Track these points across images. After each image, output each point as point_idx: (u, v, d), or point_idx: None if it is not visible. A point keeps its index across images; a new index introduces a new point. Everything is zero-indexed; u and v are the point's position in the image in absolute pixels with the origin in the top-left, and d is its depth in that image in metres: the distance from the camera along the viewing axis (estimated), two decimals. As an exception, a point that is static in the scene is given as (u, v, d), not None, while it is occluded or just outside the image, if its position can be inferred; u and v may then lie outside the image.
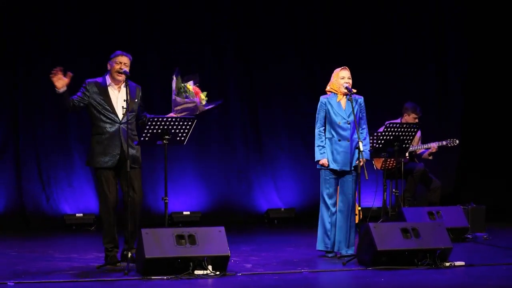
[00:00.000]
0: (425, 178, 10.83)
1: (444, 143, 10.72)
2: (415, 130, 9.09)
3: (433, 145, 10.70)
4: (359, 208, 8.91)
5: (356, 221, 8.66)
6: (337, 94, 8.55)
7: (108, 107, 7.87)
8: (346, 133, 8.50)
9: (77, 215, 11.71)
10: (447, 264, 7.81)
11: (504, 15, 13.02)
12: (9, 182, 11.70)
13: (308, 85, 12.61)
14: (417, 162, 10.87)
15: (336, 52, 12.56)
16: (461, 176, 13.08)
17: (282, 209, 12.45)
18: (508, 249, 9.22)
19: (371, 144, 8.89)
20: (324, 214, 8.57)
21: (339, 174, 8.55)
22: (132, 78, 7.90)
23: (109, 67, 7.96)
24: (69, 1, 11.85)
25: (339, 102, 8.54)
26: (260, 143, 12.63)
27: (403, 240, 7.82)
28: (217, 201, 12.35)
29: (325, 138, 8.54)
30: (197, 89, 8.04)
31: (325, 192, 8.54)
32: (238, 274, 7.49)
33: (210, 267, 7.35)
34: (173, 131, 7.75)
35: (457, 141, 10.74)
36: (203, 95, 8.03)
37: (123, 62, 7.89)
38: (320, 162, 8.53)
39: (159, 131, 7.71)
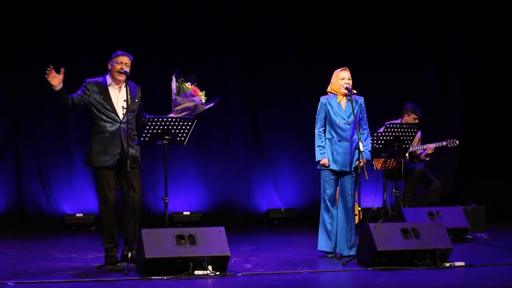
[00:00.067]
0: (425, 179, 10.83)
1: (444, 143, 10.71)
2: (415, 130, 9.08)
3: (430, 146, 10.69)
4: (359, 209, 8.91)
5: (356, 222, 8.66)
6: (337, 94, 8.55)
7: (108, 107, 7.86)
8: (346, 134, 8.49)
9: (77, 215, 11.71)
10: (447, 264, 7.81)
11: (504, 15, 13.01)
12: (9, 182, 11.69)
13: (308, 85, 12.61)
14: (417, 163, 10.87)
15: (336, 52, 12.56)
16: (461, 176, 13.08)
17: (282, 209, 12.44)
18: (508, 249, 9.21)
19: (371, 144, 8.88)
20: (324, 215, 8.56)
21: (339, 175, 8.54)
22: (132, 78, 7.90)
23: (109, 66, 7.96)
24: (69, 1, 11.85)
25: (339, 103, 8.53)
26: (260, 143, 12.62)
27: (403, 240, 7.82)
28: (217, 201, 12.34)
29: (325, 138, 8.54)
30: (196, 89, 8.04)
31: (325, 193, 8.53)
32: (238, 274, 7.49)
33: (210, 267, 7.35)
34: (173, 131, 7.75)
35: (457, 142, 10.74)
36: (202, 94, 8.03)
37: (124, 62, 7.89)
38: (321, 162, 8.53)
39: (159, 131, 7.71)
